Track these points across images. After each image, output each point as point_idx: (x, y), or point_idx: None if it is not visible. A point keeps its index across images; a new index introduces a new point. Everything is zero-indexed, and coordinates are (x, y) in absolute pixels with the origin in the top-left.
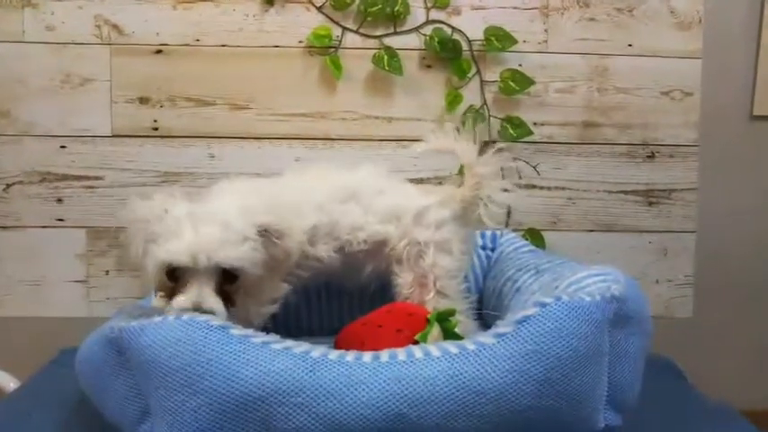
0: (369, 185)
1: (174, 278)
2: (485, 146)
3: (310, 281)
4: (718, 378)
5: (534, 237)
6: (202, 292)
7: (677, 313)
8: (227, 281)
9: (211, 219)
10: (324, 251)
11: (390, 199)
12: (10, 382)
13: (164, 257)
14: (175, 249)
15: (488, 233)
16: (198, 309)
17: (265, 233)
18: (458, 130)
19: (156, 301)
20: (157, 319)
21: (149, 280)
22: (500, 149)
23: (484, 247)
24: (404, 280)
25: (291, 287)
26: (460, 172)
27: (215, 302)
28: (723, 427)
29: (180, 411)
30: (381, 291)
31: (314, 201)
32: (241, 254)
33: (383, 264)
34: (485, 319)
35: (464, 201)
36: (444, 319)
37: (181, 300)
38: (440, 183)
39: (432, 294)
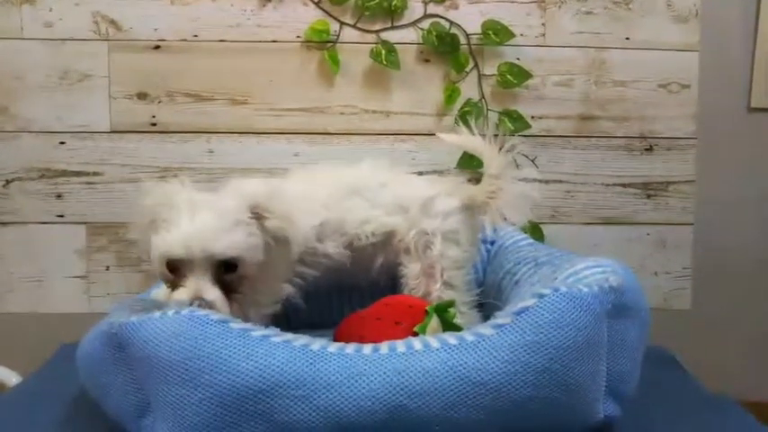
0: (372, 179)
1: (174, 270)
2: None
3: (322, 281)
4: (717, 369)
5: (533, 230)
6: (201, 284)
7: (675, 305)
8: (228, 270)
9: (206, 205)
10: (332, 247)
11: (396, 190)
12: (12, 378)
13: (160, 250)
14: (170, 241)
15: None
16: (197, 301)
17: (259, 214)
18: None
19: (157, 294)
20: (157, 314)
21: (155, 271)
22: (534, 180)
23: (483, 241)
24: (411, 270)
25: (297, 288)
26: (463, 166)
27: (214, 294)
28: (722, 417)
29: (181, 406)
30: (386, 284)
31: (320, 198)
32: (237, 241)
33: (391, 256)
34: (486, 312)
35: (473, 200)
36: (443, 310)
37: (180, 293)
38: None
39: (438, 285)
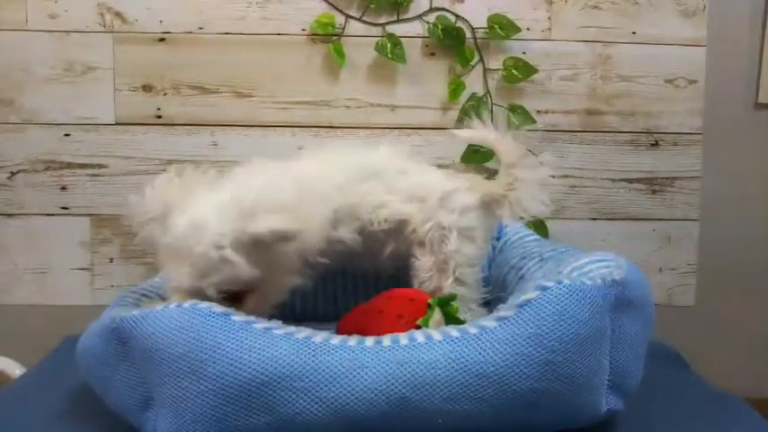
0: (391, 164)
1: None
2: (528, 152)
3: (329, 266)
4: (721, 366)
5: (537, 225)
6: None
7: (680, 301)
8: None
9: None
10: (346, 233)
11: (414, 179)
12: (16, 369)
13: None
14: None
15: None
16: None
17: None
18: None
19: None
20: (158, 307)
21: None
22: (546, 163)
23: None
24: (423, 264)
25: (306, 280)
26: (467, 160)
27: None
28: (726, 414)
29: (184, 398)
30: (392, 274)
31: (335, 181)
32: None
33: (402, 246)
34: (492, 308)
35: (491, 196)
36: (446, 303)
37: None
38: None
39: (450, 281)
